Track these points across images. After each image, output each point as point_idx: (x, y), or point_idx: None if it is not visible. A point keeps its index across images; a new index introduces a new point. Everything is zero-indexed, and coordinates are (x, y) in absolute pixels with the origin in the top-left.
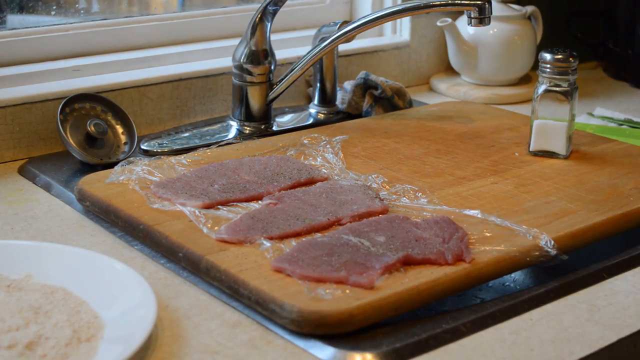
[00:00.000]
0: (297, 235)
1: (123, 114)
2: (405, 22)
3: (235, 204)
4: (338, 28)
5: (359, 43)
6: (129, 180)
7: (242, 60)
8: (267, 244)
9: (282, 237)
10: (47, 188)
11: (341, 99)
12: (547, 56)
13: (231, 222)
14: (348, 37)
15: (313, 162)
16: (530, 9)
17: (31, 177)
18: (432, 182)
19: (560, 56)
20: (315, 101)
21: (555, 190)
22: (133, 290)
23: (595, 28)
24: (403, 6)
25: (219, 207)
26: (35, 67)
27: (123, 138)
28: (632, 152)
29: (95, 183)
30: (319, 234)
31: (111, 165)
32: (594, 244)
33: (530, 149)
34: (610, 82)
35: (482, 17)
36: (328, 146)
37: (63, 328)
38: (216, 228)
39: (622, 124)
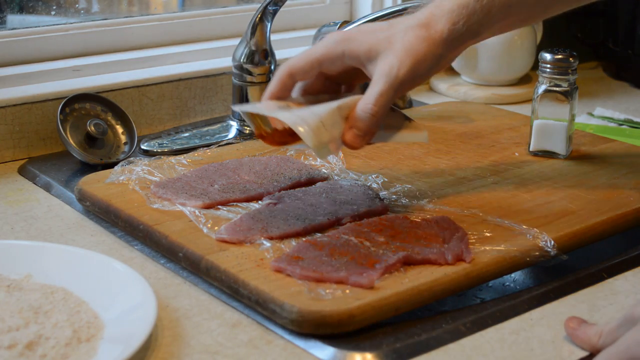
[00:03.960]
0: (297, 235)
1: (123, 114)
2: None
3: (235, 204)
4: (338, 28)
5: None
6: (129, 180)
7: (242, 60)
8: (267, 244)
9: (282, 237)
10: (47, 188)
11: None
12: (547, 56)
13: (231, 222)
14: None
15: (313, 162)
16: None
17: (31, 177)
18: (432, 182)
19: (560, 56)
20: None
21: (555, 190)
22: (133, 290)
23: (595, 28)
24: (403, 6)
25: (219, 207)
26: (35, 67)
27: (123, 138)
28: (632, 152)
29: (95, 183)
30: (319, 234)
31: (111, 165)
32: (594, 244)
33: (530, 149)
34: (610, 82)
35: None
36: None
37: (63, 328)
38: (216, 228)
39: (622, 124)
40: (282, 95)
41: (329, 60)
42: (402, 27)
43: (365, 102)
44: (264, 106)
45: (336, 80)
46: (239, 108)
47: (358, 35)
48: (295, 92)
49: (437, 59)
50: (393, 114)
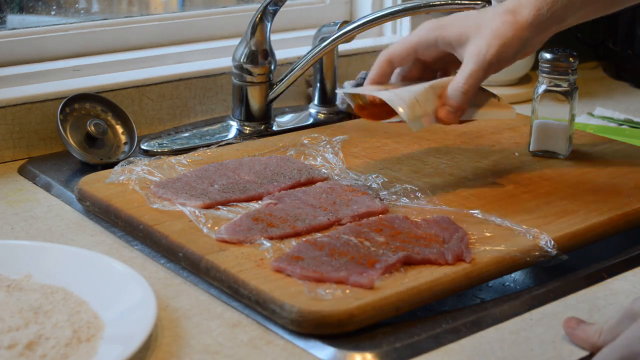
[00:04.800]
0: (297, 235)
1: (123, 114)
2: (405, 22)
3: (235, 204)
4: (338, 28)
5: (359, 43)
6: (129, 180)
7: (242, 60)
8: (267, 244)
9: (282, 237)
10: (47, 188)
11: (341, 99)
12: (547, 56)
13: (231, 222)
14: (348, 37)
15: (313, 162)
16: None
17: (31, 177)
18: (432, 182)
19: (560, 56)
20: (315, 101)
21: (555, 190)
22: (133, 290)
23: (595, 28)
24: (403, 6)
25: (219, 207)
26: (35, 67)
27: (123, 138)
28: (632, 152)
29: (95, 183)
30: (319, 234)
31: (111, 165)
32: (594, 244)
33: (530, 149)
34: (610, 82)
35: None
36: (328, 146)
37: (63, 328)
38: (216, 228)
39: (622, 124)
40: (382, 81)
41: (423, 46)
42: (491, 14)
43: (456, 82)
44: (368, 89)
45: (432, 67)
46: (343, 91)
47: (450, 23)
48: (394, 79)
49: (523, 43)
50: (482, 93)
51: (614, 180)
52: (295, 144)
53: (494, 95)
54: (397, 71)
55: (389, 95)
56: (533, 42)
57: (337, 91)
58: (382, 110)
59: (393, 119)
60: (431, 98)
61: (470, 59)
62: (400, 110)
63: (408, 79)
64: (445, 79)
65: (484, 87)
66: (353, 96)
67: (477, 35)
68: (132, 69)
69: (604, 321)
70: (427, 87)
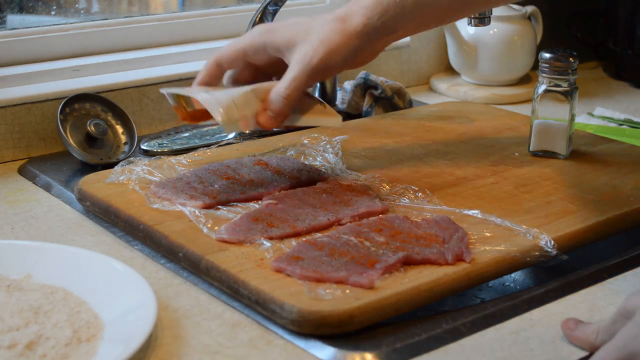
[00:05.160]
0: (297, 235)
1: (123, 114)
2: None
3: (235, 204)
4: None
5: None
6: (129, 180)
7: None
8: (267, 244)
9: (282, 237)
10: (47, 188)
11: (341, 99)
12: (547, 56)
13: (231, 222)
14: None
15: (313, 162)
16: (530, 9)
17: (31, 177)
18: (432, 182)
19: (560, 56)
20: None
21: (555, 190)
22: (133, 290)
23: (595, 28)
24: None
25: (219, 207)
26: (35, 67)
27: (123, 138)
28: (632, 152)
29: (95, 183)
30: (319, 234)
31: (111, 165)
32: (594, 244)
33: (530, 149)
34: (610, 82)
35: (482, 17)
36: (328, 146)
37: (63, 328)
38: (216, 228)
39: (622, 124)
40: (211, 83)
41: (252, 50)
42: (321, 21)
43: (279, 87)
44: (190, 90)
45: (265, 71)
46: (165, 90)
47: (280, 27)
48: (226, 82)
49: (351, 51)
50: (309, 100)
51: (614, 180)
52: (295, 144)
53: (320, 102)
54: (229, 73)
55: (206, 97)
56: (364, 51)
57: (160, 90)
58: (202, 113)
59: (210, 121)
60: (252, 101)
61: (295, 64)
62: (214, 112)
63: (240, 82)
64: (269, 83)
65: (309, 93)
66: (176, 97)
67: (305, 40)
68: (132, 69)
69: (600, 320)
70: (248, 91)
